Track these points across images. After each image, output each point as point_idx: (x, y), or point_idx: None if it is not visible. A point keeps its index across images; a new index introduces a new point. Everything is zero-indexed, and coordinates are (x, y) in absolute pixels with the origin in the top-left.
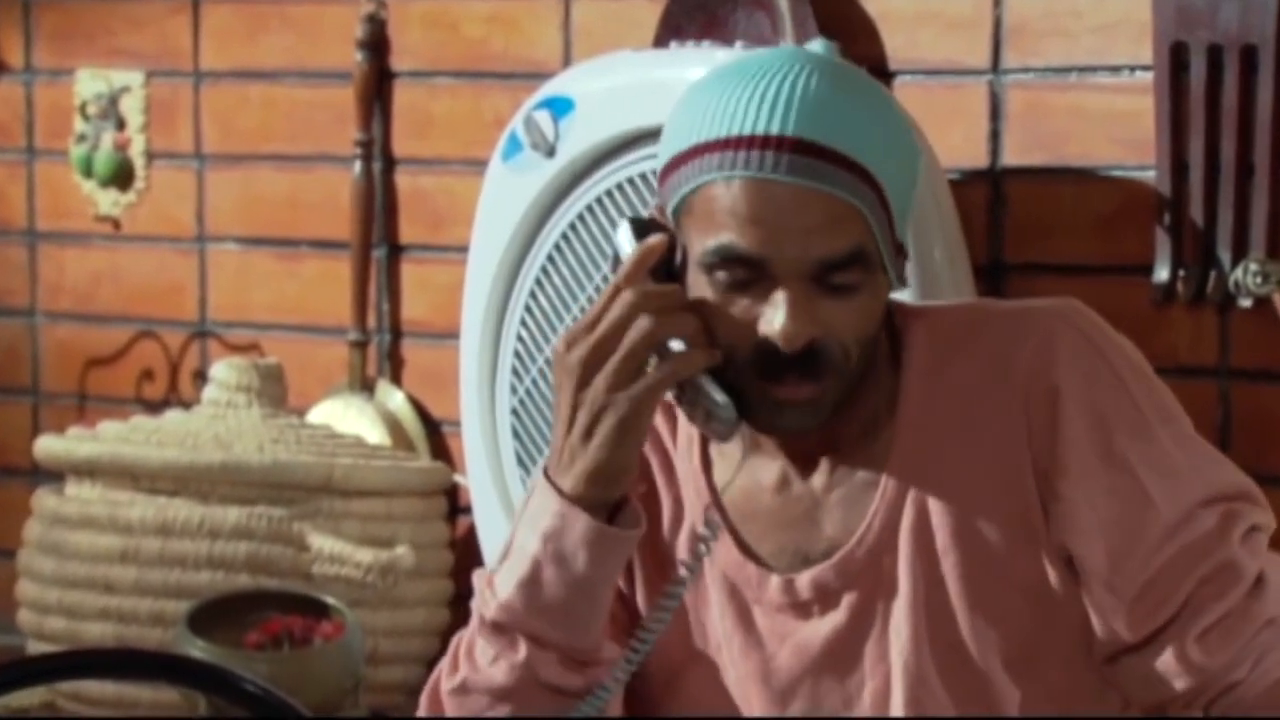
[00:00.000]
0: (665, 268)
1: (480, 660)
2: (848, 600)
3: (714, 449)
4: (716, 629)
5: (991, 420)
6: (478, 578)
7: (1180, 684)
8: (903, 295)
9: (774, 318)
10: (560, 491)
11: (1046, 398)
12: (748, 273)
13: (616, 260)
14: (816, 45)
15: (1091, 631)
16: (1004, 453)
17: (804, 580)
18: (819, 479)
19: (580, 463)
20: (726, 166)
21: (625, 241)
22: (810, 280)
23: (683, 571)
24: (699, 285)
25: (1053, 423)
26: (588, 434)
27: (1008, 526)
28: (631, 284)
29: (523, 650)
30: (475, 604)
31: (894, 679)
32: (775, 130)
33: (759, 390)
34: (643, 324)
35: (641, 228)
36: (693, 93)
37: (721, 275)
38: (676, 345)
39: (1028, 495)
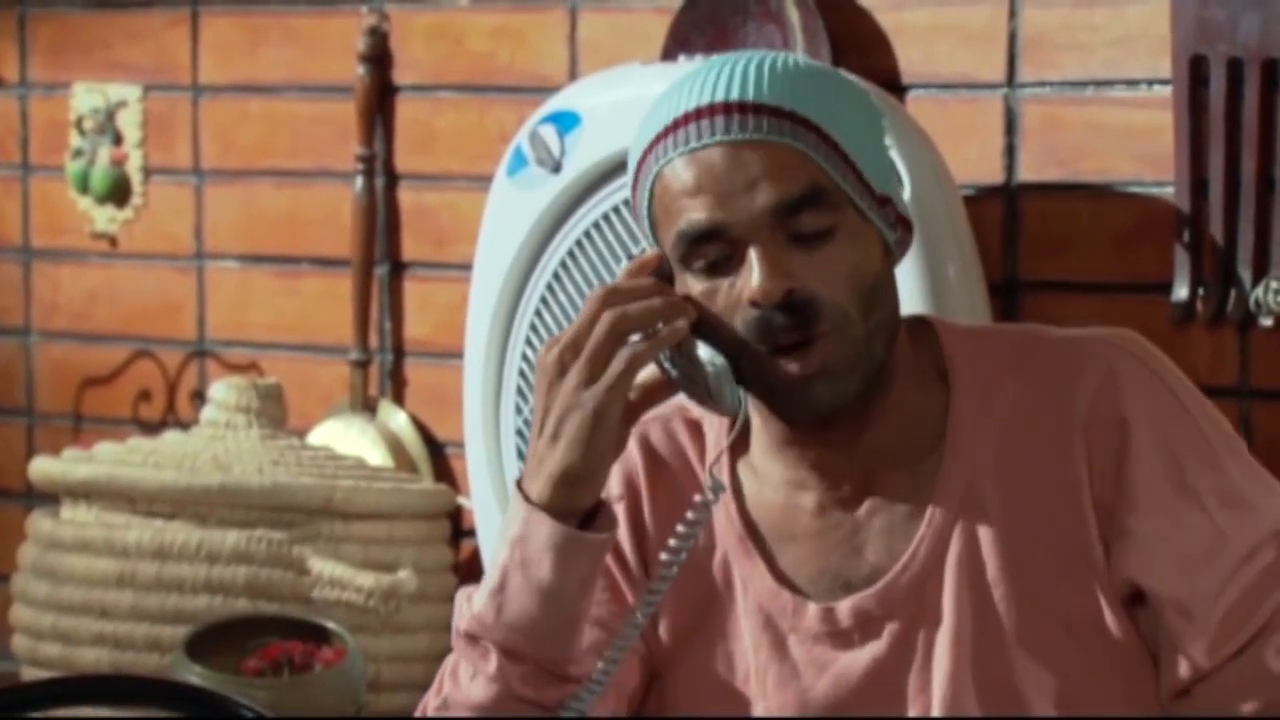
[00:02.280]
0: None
1: (462, 678)
2: (890, 630)
3: (743, 468)
4: (746, 661)
5: (1046, 450)
6: (460, 595)
7: (1258, 699)
8: (918, 312)
9: (750, 279)
10: (527, 498)
11: (1114, 431)
12: (716, 249)
13: None
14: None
15: (1144, 670)
16: (1060, 485)
17: (844, 608)
18: (860, 504)
19: (548, 465)
20: (663, 154)
21: None
22: (774, 232)
23: (682, 529)
24: (686, 287)
25: (1120, 456)
26: (555, 436)
27: (1061, 561)
28: None
29: (494, 661)
30: (454, 619)
31: (933, 711)
32: (703, 102)
33: (768, 371)
34: (606, 318)
35: None
36: (644, 116)
37: (697, 265)
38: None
39: (1086, 530)
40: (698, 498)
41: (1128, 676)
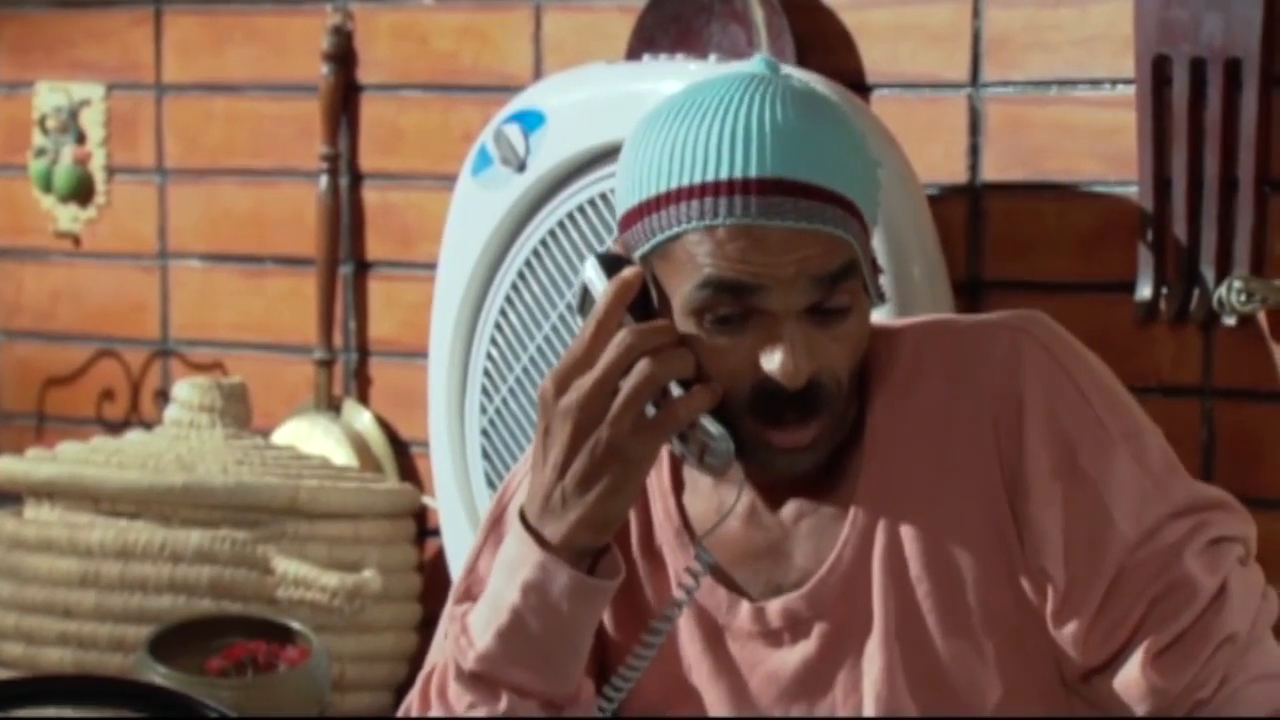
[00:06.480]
0: (641, 304)
1: (456, 705)
2: (819, 630)
3: (685, 472)
4: (683, 652)
5: (960, 440)
6: (450, 618)
7: (1143, 707)
8: (883, 313)
9: (774, 355)
10: (541, 541)
11: (1013, 413)
12: (739, 307)
13: (584, 296)
14: (759, 64)
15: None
16: (975, 473)
17: (774, 608)
18: (787, 509)
19: (574, 511)
20: (707, 215)
21: (596, 277)
22: (805, 312)
23: (665, 618)
24: (687, 331)
25: (1018, 440)
26: (585, 483)
27: (982, 550)
28: (615, 321)
29: (504, 701)
30: (449, 648)
31: (866, 709)
32: (753, 172)
33: (756, 436)
34: (643, 367)
35: (610, 263)
36: (650, 132)
37: (710, 317)
38: (673, 386)
39: (1002, 516)
40: (689, 568)
41: (1052, 661)
